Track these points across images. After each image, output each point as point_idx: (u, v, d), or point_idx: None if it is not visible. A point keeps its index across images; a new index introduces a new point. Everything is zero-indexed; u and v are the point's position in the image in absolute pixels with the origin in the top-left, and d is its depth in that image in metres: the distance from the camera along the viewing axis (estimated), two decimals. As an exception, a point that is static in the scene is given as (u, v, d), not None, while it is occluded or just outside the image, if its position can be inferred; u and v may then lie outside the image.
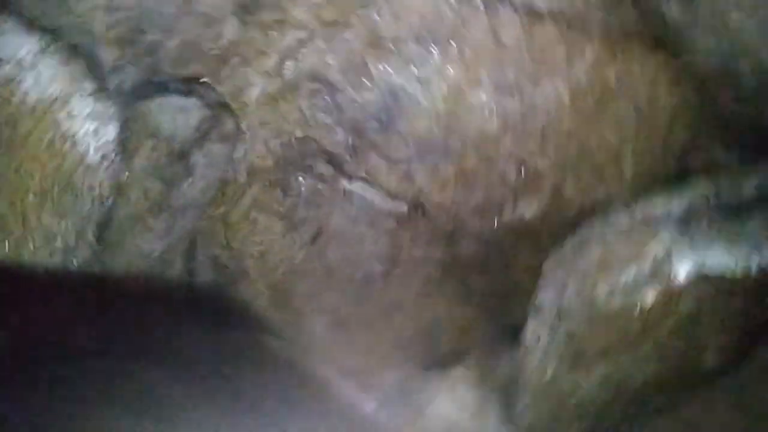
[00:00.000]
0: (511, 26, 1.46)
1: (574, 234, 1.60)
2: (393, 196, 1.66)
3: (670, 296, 1.28)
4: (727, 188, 1.43)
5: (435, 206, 1.68)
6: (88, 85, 1.13)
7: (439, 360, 1.75)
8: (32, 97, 1.07)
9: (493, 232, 1.71)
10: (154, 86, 1.32)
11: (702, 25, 1.32)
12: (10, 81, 1.10)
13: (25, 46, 1.09)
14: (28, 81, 1.09)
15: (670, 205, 1.45)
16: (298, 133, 1.57)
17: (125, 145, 1.26)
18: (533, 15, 1.45)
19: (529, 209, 1.68)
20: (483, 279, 1.79)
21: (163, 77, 1.31)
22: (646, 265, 1.33)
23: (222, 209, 1.68)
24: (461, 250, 1.76)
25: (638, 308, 1.30)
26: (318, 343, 1.68)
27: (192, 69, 1.37)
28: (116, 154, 1.22)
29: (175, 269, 1.63)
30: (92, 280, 1.30)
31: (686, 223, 1.37)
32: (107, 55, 1.16)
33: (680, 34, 1.38)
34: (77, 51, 1.15)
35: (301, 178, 1.62)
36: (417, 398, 1.66)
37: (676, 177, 1.55)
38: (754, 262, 1.22)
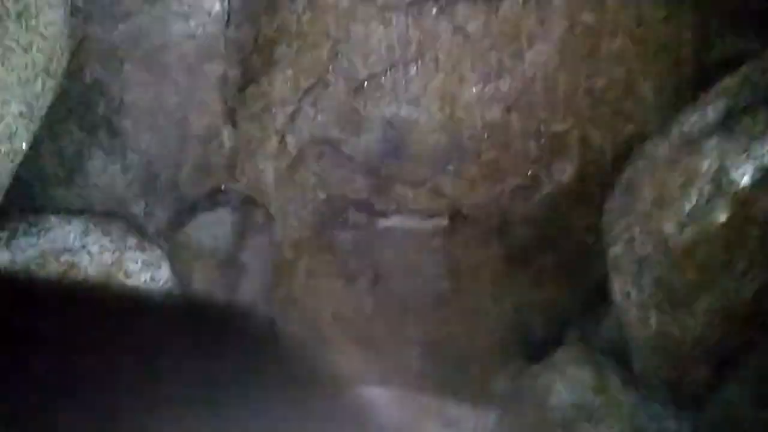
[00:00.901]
0: (471, 17, 1.45)
1: (621, 179, 1.54)
2: (430, 214, 1.67)
3: (743, 205, 1.19)
4: (758, 73, 1.33)
5: (473, 208, 1.67)
6: (131, 241, 1.24)
7: (540, 349, 1.71)
8: (92, 273, 1.19)
9: (539, 208, 1.68)
10: (183, 214, 1.43)
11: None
12: (71, 266, 1.23)
13: (70, 233, 1.22)
14: (83, 260, 1.21)
15: (705, 112, 1.36)
16: (322, 195, 1.63)
17: (180, 276, 1.36)
18: (489, -4, 1.45)
19: (564, 173, 1.63)
20: (549, 256, 1.74)
21: (187, 203, 1.41)
22: (705, 184, 1.25)
23: (284, 289, 1.76)
24: (516, 238, 1.73)
25: (715, 230, 1.22)
26: (416, 381, 1.70)
27: (209, 184, 1.45)
28: (174, 288, 1.32)
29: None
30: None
31: (729, 124, 1.28)
32: (136, 208, 1.27)
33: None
34: (112, 217, 1.26)
35: (341, 234, 1.66)
36: (534, 394, 1.63)
37: (702, 81, 1.46)
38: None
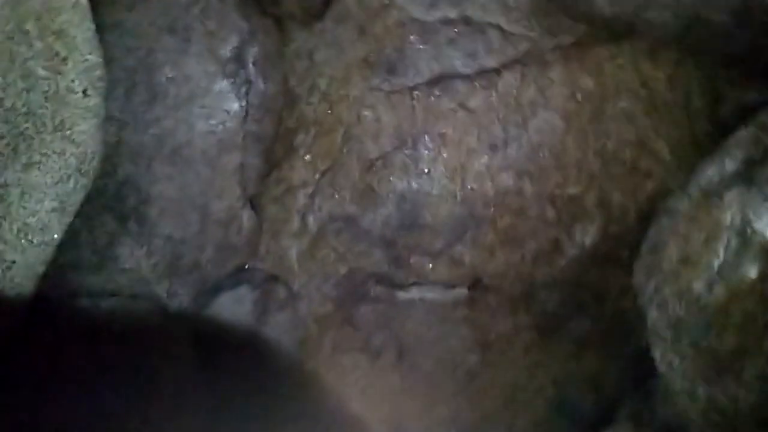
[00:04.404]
0: (471, 94, 1.53)
1: (646, 238, 1.47)
2: (450, 285, 1.64)
3: (773, 257, 1.10)
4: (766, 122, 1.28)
5: (494, 276, 1.62)
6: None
7: (588, 429, 1.56)
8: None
9: (565, 273, 1.61)
10: (207, 293, 1.49)
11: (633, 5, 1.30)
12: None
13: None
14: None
15: (723, 165, 1.30)
16: (343, 270, 1.66)
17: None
18: (487, 72, 1.53)
19: (587, 235, 1.57)
20: (585, 323, 1.64)
21: (210, 283, 1.50)
22: (730, 238, 1.17)
23: (310, 365, 1.75)
24: (545, 304, 1.65)
25: (747, 287, 1.11)
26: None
27: (232, 264, 1.52)
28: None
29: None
30: None
31: (748, 174, 1.21)
32: (159, 288, 1.38)
33: (623, 21, 1.37)
34: (137, 295, 1.38)
35: (362, 308, 1.67)
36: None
37: (718, 134, 1.42)
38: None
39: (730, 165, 1.30)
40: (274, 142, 1.62)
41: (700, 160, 1.40)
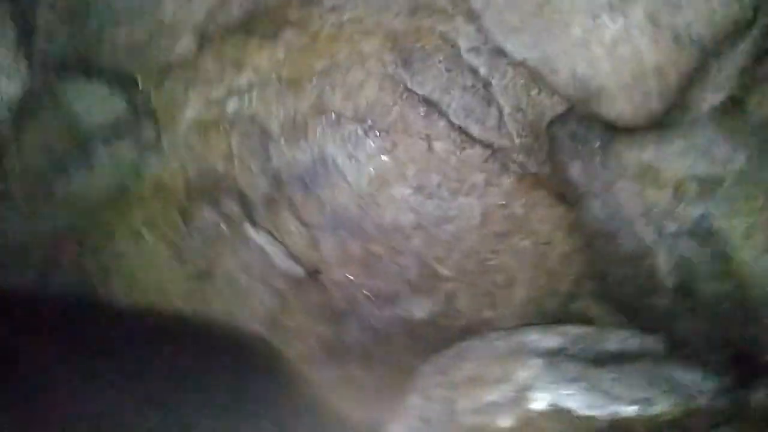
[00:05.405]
0: (443, 136, 1.59)
1: (455, 345, 1.61)
2: (293, 257, 1.62)
3: (526, 423, 1.28)
4: (594, 338, 1.52)
5: (332, 280, 1.65)
6: (10, 33, 1.05)
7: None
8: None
9: (382, 323, 1.69)
10: (81, 65, 1.26)
11: (593, 189, 1.51)
12: None
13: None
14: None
15: (544, 340, 1.51)
16: (220, 167, 1.55)
17: (24, 114, 1.16)
18: (465, 135, 1.60)
19: (421, 309, 1.68)
20: (364, 369, 1.72)
21: (93, 59, 1.27)
22: (510, 390, 1.34)
23: (113, 214, 1.55)
24: (348, 333, 1.70)
25: (494, 430, 1.28)
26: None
27: (129, 65, 1.34)
28: (12, 121, 1.11)
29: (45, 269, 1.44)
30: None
31: (554, 360, 1.42)
32: (42, 16, 1.11)
33: (577, 192, 1.56)
34: None
35: (205, 211, 1.56)
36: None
37: (558, 315, 1.64)
38: (604, 411, 1.27)
39: (549, 342, 1.49)
40: (263, 16, 1.49)
41: (533, 322, 1.60)
